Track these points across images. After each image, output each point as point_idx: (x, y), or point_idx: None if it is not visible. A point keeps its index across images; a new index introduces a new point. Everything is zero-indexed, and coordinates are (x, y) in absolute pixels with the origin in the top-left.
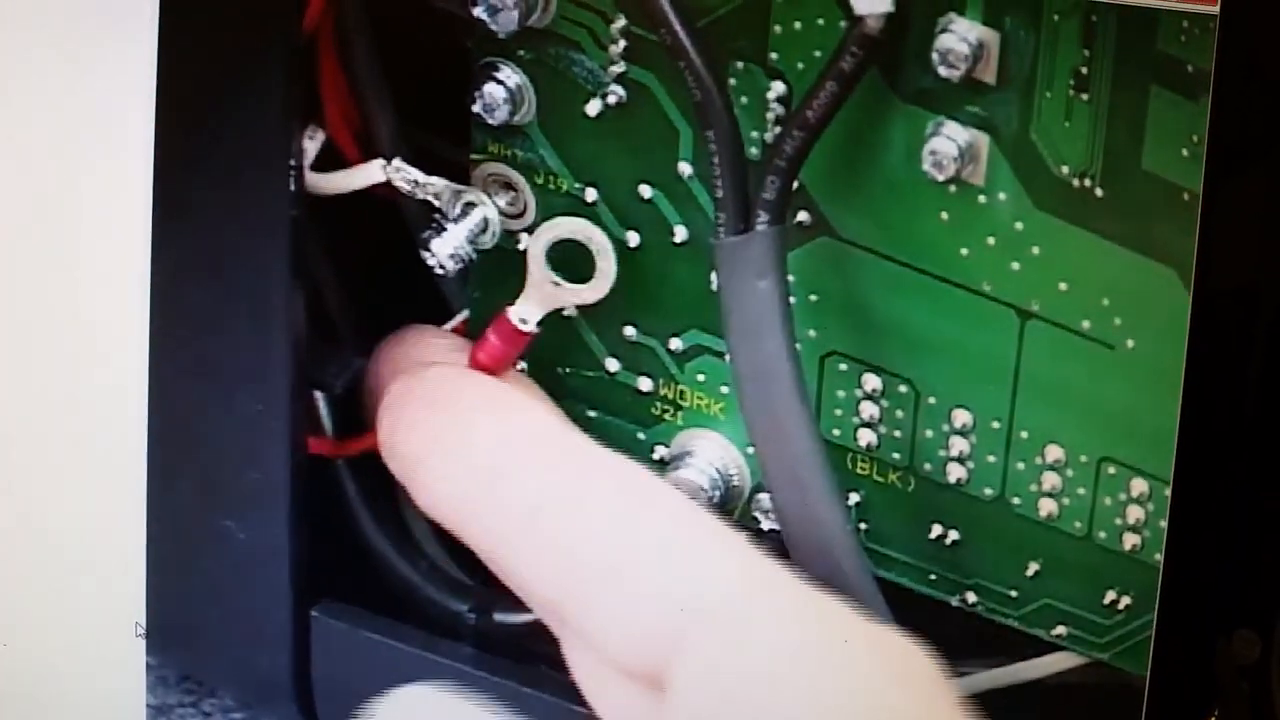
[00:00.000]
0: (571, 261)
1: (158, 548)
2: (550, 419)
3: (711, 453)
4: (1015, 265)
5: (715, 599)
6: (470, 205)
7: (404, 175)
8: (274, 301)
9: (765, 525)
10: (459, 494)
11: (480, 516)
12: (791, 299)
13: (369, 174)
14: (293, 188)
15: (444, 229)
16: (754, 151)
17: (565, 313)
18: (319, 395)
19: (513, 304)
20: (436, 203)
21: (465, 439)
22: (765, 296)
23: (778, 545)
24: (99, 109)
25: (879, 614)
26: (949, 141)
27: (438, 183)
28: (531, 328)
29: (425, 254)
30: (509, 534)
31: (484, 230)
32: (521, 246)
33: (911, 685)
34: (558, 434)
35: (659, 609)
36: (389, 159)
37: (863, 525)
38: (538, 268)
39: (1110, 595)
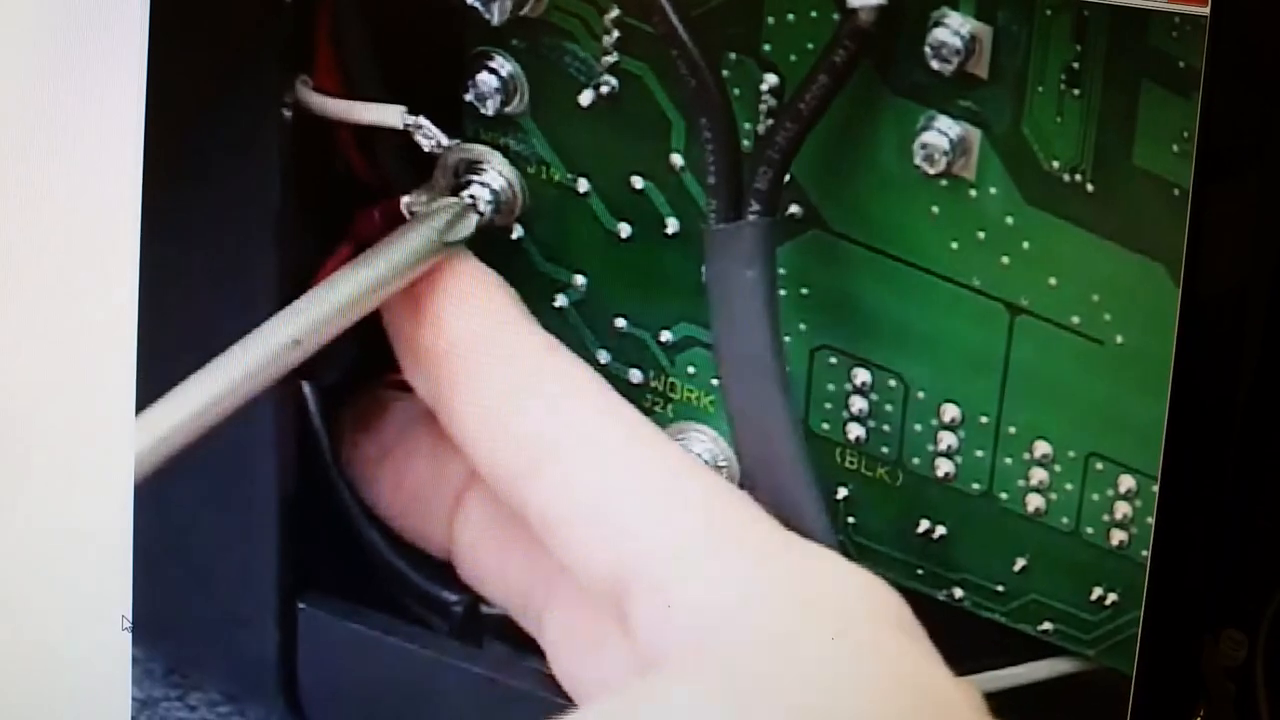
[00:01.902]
0: (563, 247)
1: (144, 540)
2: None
3: (702, 445)
4: (1005, 260)
5: (683, 532)
6: (469, 182)
7: (425, 133)
8: (263, 292)
9: None
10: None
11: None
12: (782, 292)
13: (387, 116)
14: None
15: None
16: (746, 143)
17: (556, 304)
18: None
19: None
20: (443, 170)
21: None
22: (752, 286)
23: None
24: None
25: None
26: (940, 135)
27: (458, 148)
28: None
29: None
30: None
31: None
32: (514, 236)
33: (877, 621)
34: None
35: (629, 538)
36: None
37: (850, 519)
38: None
39: (1097, 591)
